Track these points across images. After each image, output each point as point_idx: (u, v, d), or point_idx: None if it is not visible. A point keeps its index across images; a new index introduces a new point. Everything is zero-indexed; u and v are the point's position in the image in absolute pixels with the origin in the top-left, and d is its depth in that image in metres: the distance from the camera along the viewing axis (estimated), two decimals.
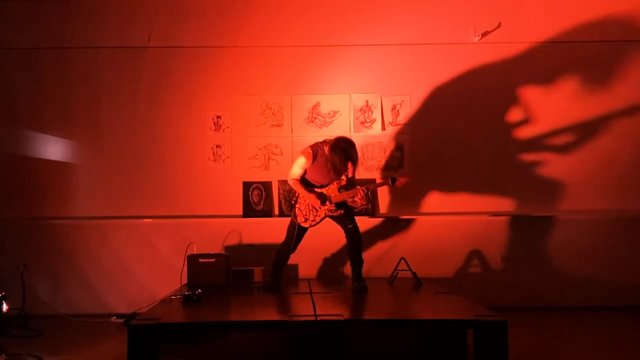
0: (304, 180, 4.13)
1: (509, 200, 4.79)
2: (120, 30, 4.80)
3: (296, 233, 4.13)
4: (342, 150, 3.88)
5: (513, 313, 3.66)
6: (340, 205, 4.09)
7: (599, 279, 4.73)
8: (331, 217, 4.13)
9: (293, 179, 4.12)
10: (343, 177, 4.05)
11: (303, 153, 4.07)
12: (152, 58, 4.81)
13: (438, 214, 4.76)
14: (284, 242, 4.21)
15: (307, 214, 4.10)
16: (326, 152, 3.95)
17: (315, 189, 4.10)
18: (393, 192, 4.82)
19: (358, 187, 4.01)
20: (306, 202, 4.10)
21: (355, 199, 4.04)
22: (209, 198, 4.79)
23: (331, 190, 4.07)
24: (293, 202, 4.25)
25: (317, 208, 4.08)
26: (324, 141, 4.05)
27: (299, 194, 4.14)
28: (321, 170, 4.04)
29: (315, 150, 4.05)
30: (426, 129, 4.83)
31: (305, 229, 4.15)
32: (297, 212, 4.13)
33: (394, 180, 4.00)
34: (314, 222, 4.11)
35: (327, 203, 4.07)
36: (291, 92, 4.84)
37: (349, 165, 3.97)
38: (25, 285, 4.62)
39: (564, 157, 4.79)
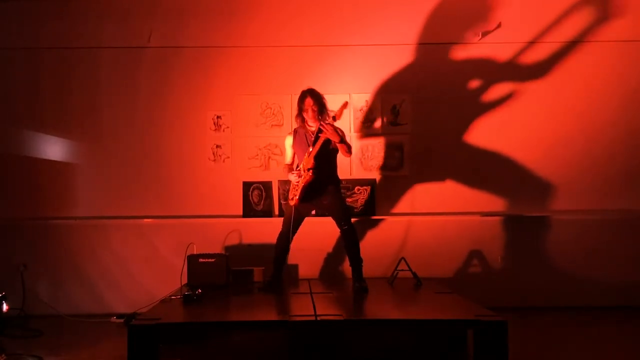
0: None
1: (510, 200, 4.79)
2: (120, 30, 4.80)
3: (287, 215, 4.16)
4: (299, 99, 4.10)
5: (513, 313, 3.66)
6: (318, 171, 3.98)
7: (599, 279, 4.72)
8: (328, 214, 4.14)
9: (284, 165, 4.28)
10: (311, 147, 4.04)
11: (288, 134, 4.26)
12: (152, 58, 4.82)
13: (438, 214, 4.76)
14: (280, 233, 4.22)
15: (292, 192, 4.11)
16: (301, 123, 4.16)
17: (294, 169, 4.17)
18: (392, 191, 4.82)
19: (320, 126, 3.95)
20: (292, 184, 4.14)
21: (324, 135, 3.95)
22: (209, 198, 4.80)
23: (305, 161, 4.06)
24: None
25: (295, 183, 4.07)
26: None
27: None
28: (301, 146, 4.11)
29: (296, 128, 4.22)
30: (426, 128, 4.83)
31: (300, 216, 4.15)
32: (288, 196, 4.17)
33: (334, 118, 3.95)
34: (297, 197, 4.04)
35: (303, 173, 4.04)
36: (291, 92, 4.82)
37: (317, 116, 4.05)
38: (25, 285, 4.62)
39: (564, 157, 4.79)
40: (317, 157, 3.99)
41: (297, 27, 4.84)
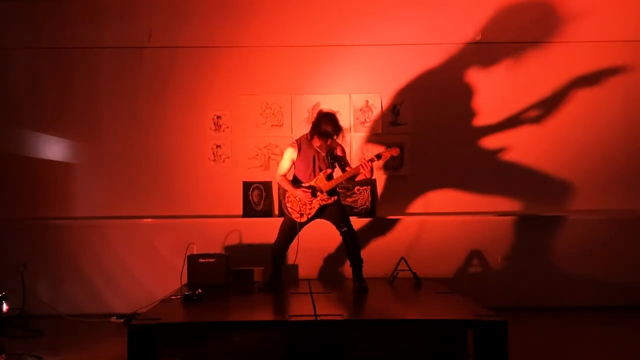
0: (293, 179, 4.15)
1: (510, 200, 4.79)
2: (120, 30, 4.80)
3: (286, 226, 4.14)
4: (316, 123, 3.94)
5: (513, 313, 3.66)
6: (332, 192, 4.07)
7: (599, 279, 4.72)
8: (326, 218, 4.12)
9: (281, 176, 4.13)
10: (329, 167, 4.05)
11: (290, 145, 4.13)
12: (152, 58, 4.82)
13: (438, 214, 4.76)
14: (277, 240, 4.21)
15: (301, 208, 4.07)
16: (309, 138, 4.05)
17: (303, 184, 4.09)
18: (392, 192, 4.82)
19: (360, 164, 3.95)
20: (296, 198, 4.08)
21: (361, 174, 3.98)
22: (209, 198, 4.80)
23: (319, 181, 4.05)
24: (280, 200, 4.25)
25: (308, 201, 4.06)
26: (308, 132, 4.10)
27: (286, 192, 4.14)
28: (307, 161, 4.06)
29: (299, 141, 4.11)
30: (426, 128, 4.83)
31: (303, 225, 4.14)
32: (289, 210, 4.10)
33: (379, 157, 3.99)
34: (310, 215, 4.07)
35: (318, 194, 4.05)
36: (291, 92, 4.84)
37: (336, 146, 4.06)
38: (25, 285, 4.62)
39: (565, 157, 4.79)
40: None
41: (297, 27, 4.83)
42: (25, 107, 4.82)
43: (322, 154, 4.03)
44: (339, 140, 4.07)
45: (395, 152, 4.03)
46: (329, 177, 4.07)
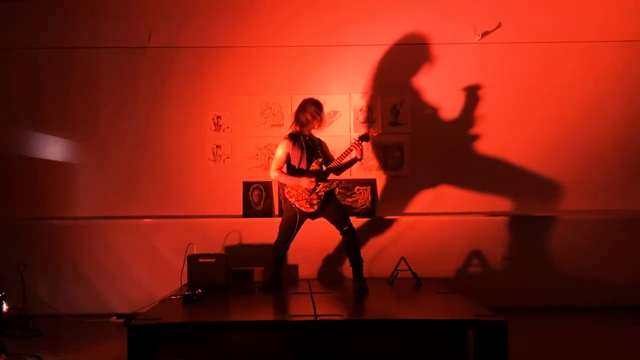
0: (289, 171, 4.15)
1: (509, 200, 4.79)
2: (120, 30, 4.80)
3: (290, 222, 4.12)
4: (299, 110, 4.11)
5: (513, 313, 3.66)
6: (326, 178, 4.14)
7: (599, 279, 4.72)
8: (326, 217, 4.11)
9: (277, 171, 4.09)
10: (319, 157, 4.11)
11: (283, 139, 4.14)
12: (152, 58, 4.82)
13: (438, 214, 4.76)
14: (279, 239, 4.19)
15: (308, 198, 4.06)
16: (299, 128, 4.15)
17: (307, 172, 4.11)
18: (392, 192, 4.82)
19: (351, 145, 4.03)
20: (299, 190, 4.06)
21: (354, 156, 4.06)
22: (209, 198, 4.80)
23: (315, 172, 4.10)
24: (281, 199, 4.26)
25: (311, 189, 4.04)
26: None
27: (287, 187, 4.12)
28: (301, 153, 4.07)
29: (291, 134, 4.15)
30: (426, 129, 4.83)
31: (305, 217, 4.12)
32: (296, 204, 4.06)
33: (363, 138, 4.04)
34: (319, 202, 4.03)
35: (322, 182, 4.05)
36: (291, 92, 4.83)
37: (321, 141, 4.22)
38: (25, 285, 4.62)
39: (563, 157, 4.79)
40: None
41: (297, 27, 4.84)
42: (25, 107, 4.82)
43: (315, 138, 4.13)
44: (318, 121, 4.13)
45: (375, 132, 4.13)
46: (322, 165, 4.11)
